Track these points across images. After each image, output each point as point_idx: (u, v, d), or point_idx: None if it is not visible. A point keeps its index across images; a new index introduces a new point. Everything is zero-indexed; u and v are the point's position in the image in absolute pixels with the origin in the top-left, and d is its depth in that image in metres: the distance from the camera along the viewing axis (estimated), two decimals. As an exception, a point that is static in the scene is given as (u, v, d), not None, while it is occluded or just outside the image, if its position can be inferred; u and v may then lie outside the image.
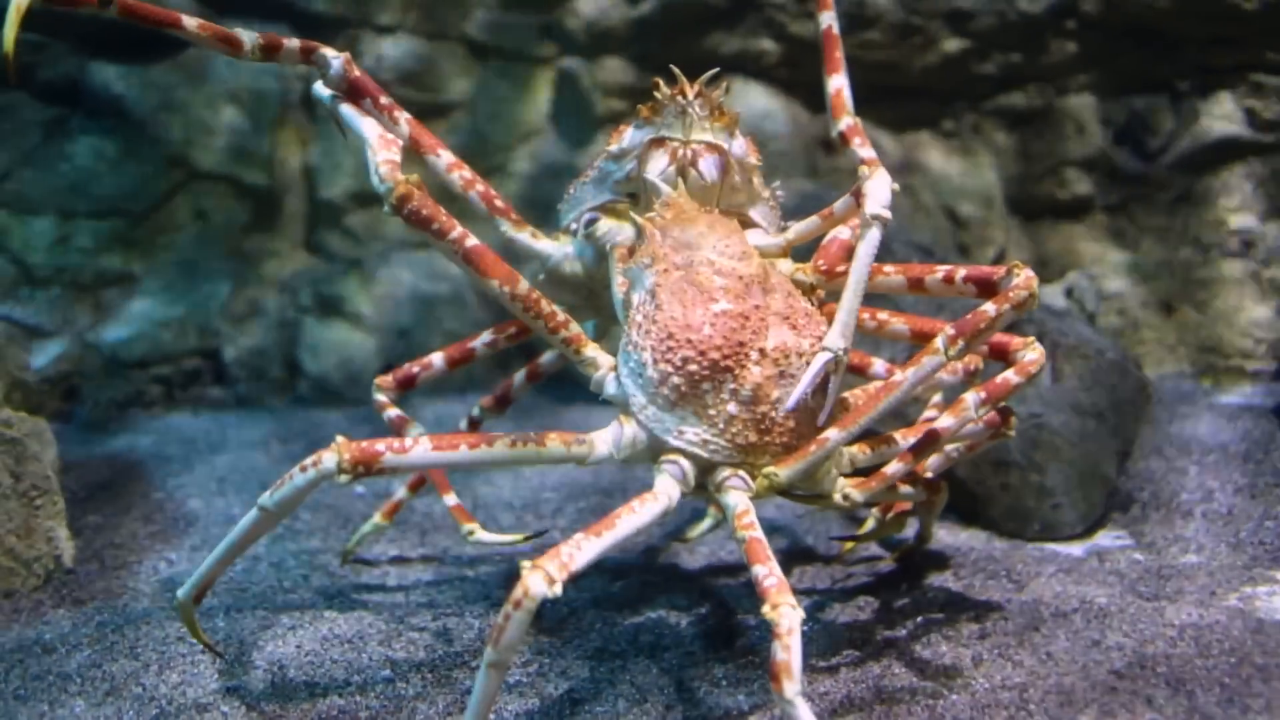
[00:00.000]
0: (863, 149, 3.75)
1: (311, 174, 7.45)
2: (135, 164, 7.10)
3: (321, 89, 3.38)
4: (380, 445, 2.83)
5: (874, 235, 2.94)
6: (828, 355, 2.90)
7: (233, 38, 3.25)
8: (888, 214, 2.95)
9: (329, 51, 3.31)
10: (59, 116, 6.87)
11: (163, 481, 5.48)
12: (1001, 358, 3.24)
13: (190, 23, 3.20)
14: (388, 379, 3.86)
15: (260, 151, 7.31)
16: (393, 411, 3.82)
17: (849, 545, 4.10)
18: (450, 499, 3.98)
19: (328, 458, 2.79)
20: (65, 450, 4.80)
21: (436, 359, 3.84)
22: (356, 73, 3.34)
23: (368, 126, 3.16)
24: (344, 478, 2.79)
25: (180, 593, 3.12)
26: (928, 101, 7.43)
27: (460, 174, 3.46)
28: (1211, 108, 6.96)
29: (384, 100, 3.34)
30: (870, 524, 4.04)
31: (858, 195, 3.06)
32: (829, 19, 3.82)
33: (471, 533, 3.90)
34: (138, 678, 3.26)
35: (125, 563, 4.31)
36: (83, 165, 7.00)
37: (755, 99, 7.17)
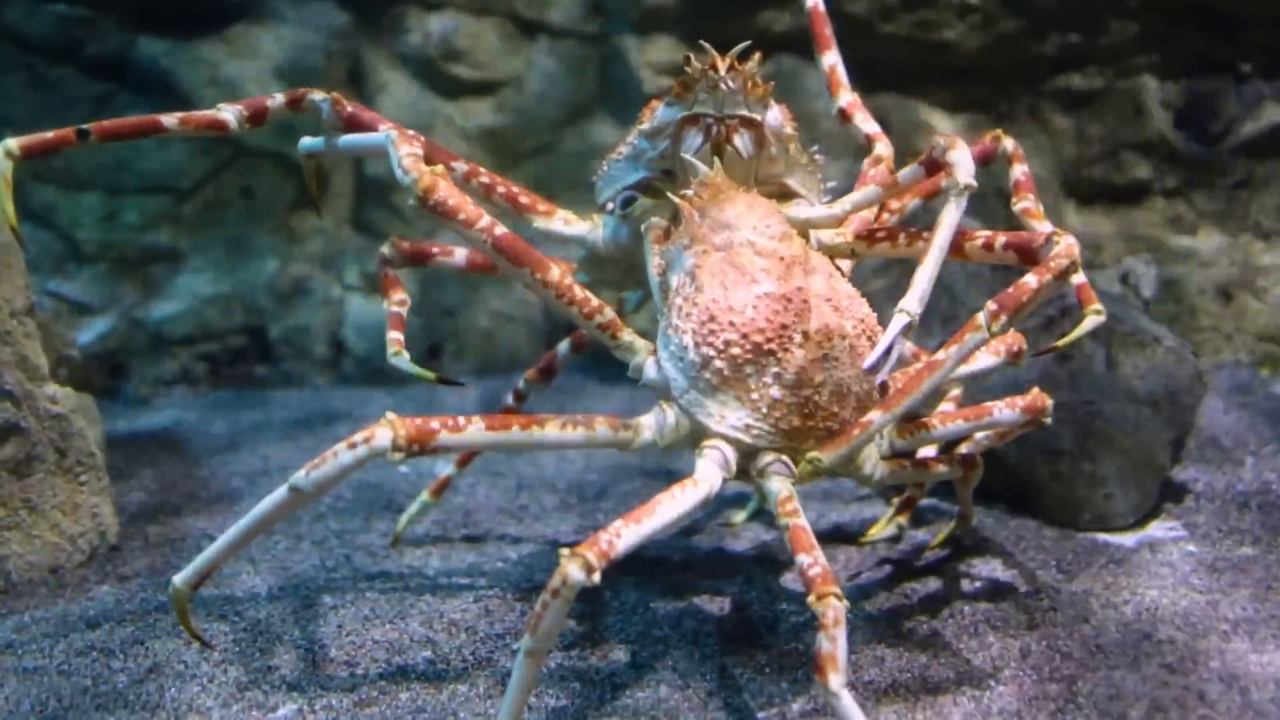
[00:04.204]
0: (865, 124, 3.73)
1: (359, 151, 7.41)
2: (182, 140, 7.11)
3: (307, 141, 3.39)
4: (435, 423, 2.69)
5: (961, 204, 2.91)
6: (905, 319, 2.84)
7: (217, 121, 3.30)
8: (975, 183, 2.92)
9: (316, 95, 3.33)
10: (106, 92, 6.90)
11: (207, 459, 5.52)
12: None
13: (170, 120, 3.28)
14: (405, 244, 3.81)
15: (307, 128, 7.24)
16: (391, 271, 3.79)
17: (869, 534, 4.10)
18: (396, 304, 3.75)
19: (381, 434, 2.63)
20: (111, 427, 4.83)
21: (460, 254, 3.80)
22: (349, 108, 3.33)
23: (379, 132, 3.13)
24: (398, 456, 2.65)
25: (178, 578, 2.90)
26: (983, 82, 7.33)
27: (479, 180, 3.40)
28: (1276, 91, 6.84)
29: (384, 127, 3.33)
30: (884, 527, 4.08)
31: (929, 165, 3.02)
32: None
33: (397, 353, 3.54)
34: (180, 654, 3.27)
35: (169, 540, 4.33)
36: (130, 141, 7.00)
37: (807, 78, 7.09)
